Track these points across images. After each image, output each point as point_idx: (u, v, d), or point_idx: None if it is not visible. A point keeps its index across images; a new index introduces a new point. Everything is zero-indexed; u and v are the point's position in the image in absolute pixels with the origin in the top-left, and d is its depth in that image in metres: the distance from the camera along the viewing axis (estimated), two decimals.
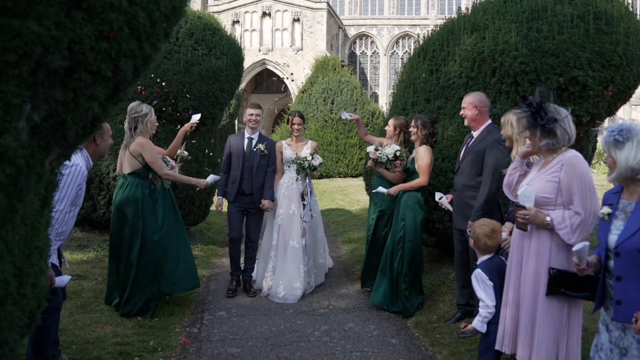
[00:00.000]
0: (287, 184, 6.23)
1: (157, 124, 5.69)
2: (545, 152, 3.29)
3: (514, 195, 3.55)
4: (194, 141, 7.90)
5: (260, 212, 6.21)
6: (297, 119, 6.35)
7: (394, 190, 5.64)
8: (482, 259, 3.75)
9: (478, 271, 3.65)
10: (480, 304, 3.64)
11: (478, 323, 3.61)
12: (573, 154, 3.22)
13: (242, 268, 6.24)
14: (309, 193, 6.13)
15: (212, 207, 8.75)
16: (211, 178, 5.63)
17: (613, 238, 2.71)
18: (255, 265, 6.40)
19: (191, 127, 5.66)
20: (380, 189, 5.74)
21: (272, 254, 6.14)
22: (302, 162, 6.01)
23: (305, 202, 6.10)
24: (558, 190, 3.15)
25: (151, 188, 5.21)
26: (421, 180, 5.48)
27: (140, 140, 5.00)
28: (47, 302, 1.91)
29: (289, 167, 6.29)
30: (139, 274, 4.99)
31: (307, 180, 6.15)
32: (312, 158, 6.03)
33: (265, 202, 6.07)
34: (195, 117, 5.69)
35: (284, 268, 5.97)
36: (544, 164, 3.30)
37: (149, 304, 5.06)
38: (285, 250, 6.04)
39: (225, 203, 6.34)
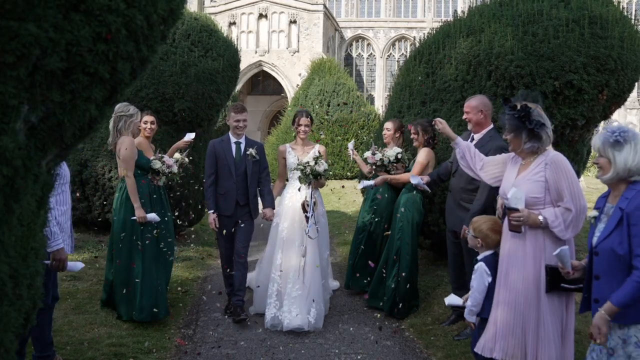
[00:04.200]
0: (291, 194, 5.52)
1: (145, 126, 5.64)
2: (526, 154, 3.36)
3: (478, 168, 3.77)
4: (201, 143, 7.92)
5: (252, 221, 5.44)
6: (304, 120, 5.60)
7: (379, 180, 5.65)
8: (485, 254, 3.76)
9: (481, 264, 3.67)
10: (470, 294, 3.68)
11: (467, 315, 3.68)
12: (555, 153, 3.33)
13: (232, 289, 5.41)
14: (311, 204, 5.28)
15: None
16: (151, 216, 4.97)
17: (595, 239, 2.80)
18: (253, 271, 5.96)
19: (185, 144, 5.68)
20: (365, 182, 5.75)
21: (275, 275, 5.28)
22: (303, 167, 5.28)
23: (307, 215, 5.26)
24: (545, 190, 3.24)
25: (151, 188, 5.20)
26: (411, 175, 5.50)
27: (121, 140, 4.98)
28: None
29: (292, 174, 5.61)
30: (143, 276, 4.92)
31: (310, 190, 5.34)
32: (316, 163, 5.27)
33: (267, 211, 5.37)
34: (190, 136, 5.68)
35: (291, 291, 5.14)
36: (524, 165, 3.38)
37: (157, 305, 4.98)
38: (292, 269, 5.23)
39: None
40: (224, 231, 5.32)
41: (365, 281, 5.91)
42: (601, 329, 2.64)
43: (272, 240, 5.55)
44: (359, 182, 6.04)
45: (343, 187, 13.93)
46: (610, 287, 2.66)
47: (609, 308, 2.62)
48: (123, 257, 4.96)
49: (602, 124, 6.21)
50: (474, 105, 4.68)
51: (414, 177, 5.10)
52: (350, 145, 6.19)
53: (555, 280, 3.14)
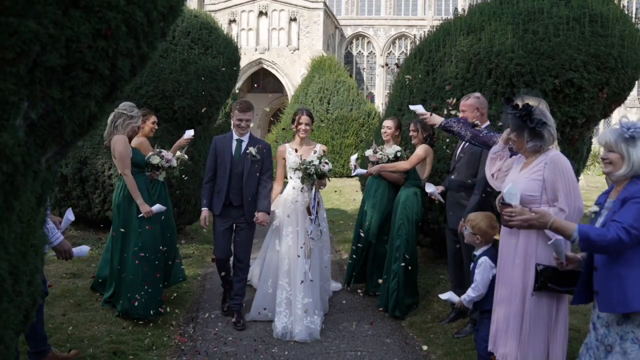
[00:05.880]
0: (293, 196, 5.29)
1: (152, 126, 5.67)
2: (529, 153, 3.37)
3: (494, 177, 3.71)
4: (200, 141, 7.94)
5: (251, 227, 5.21)
6: (305, 118, 5.42)
7: (374, 169, 5.67)
8: (483, 248, 3.79)
9: (485, 258, 3.70)
10: (473, 285, 3.70)
11: (466, 300, 3.74)
12: (555, 152, 3.33)
13: (231, 293, 5.26)
14: (315, 205, 5.11)
15: None
16: (156, 208, 5.00)
17: None
18: (251, 269, 5.82)
19: (186, 141, 5.68)
20: (360, 170, 5.76)
21: (282, 282, 5.08)
22: (307, 167, 5.05)
23: (311, 217, 5.08)
24: (542, 189, 3.25)
25: (149, 184, 5.20)
26: (406, 164, 5.51)
27: (114, 139, 4.96)
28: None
29: (293, 175, 5.41)
30: (142, 273, 4.90)
31: (314, 190, 5.13)
32: (320, 163, 5.08)
33: (260, 215, 5.05)
34: (189, 133, 5.67)
35: (303, 299, 4.95)
36: (526, 163, 3.40)
37: (155, 302, 4.98)
38: (299, 276, 5.02)
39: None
40: (222, 226, 5.17)
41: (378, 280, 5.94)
42: (524, 215, 2.84)
43: (272, 242, 5.38)
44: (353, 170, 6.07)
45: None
46: (606, 277, 2.67)
47: (568, 225, 2.70)
48: (122, 254, 4.96)
49: (602, 122, 6.22)
50: (470, 103, 4.70)
51: (429, 186, 5.05)
52: (353, 158, 6.16)
53: (544, 279, 3.14)
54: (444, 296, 3.98)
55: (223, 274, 5.30)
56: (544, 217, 2.78)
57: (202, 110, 7.55)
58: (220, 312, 5.45)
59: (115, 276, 5.02)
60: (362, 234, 5.92)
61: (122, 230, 4.96)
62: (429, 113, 4.73)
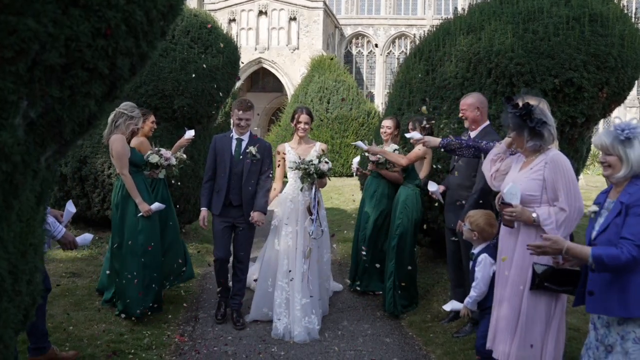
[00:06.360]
0: (293, 195, 5.22)
1: (152, 125, 5.69)
2: (529, 152, 3.37)
3: (492, 177, 3.68)
4: (200, 140, 7.93)
5: (251, 227, 5.16)
6: (304, 117, 5.35)
7: (375, 150, 5.68)
8: (481, 246, 3.80)
9: (485, 255, 3.70)
10: (474, 284, 3.71)
11: (470, 302, 3.75)
12: (555, 152, 3.32)
13: (230, 293, 5.30)
14: (316, 205, 5.08)
15: None
16: (156, 206, 5.00)
17: (594, 234, 2.81)
18: (251, 267, 5.87)
19: (187, 142, 5.68)
20: (359, 143, 5.77)
21: (282, 283, 5.05)
22: (307, 167, 5.00)
23: (312, 217, 5.05)
24: (543, 188, 3.24)
25: (147, 183, 5.19)
26: (404, 159, 5.50)
27: (112, 138, 4.95)
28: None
29: (293, 174, 5.32)
30: (141, 272, 4.88)
31: (314, 190, 5.10)
32: (320, 162, 5.04)
33: (255, 215, 4.99)
34: (190, 133, 5.66)
35: (302, 299, 4.94)
36: (526, 162, 3.39)
37: (154, 301, 4.98)
38: (298, 277, 5.00)
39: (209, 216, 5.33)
40: (221, 225, 5.14)
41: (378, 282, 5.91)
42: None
43: (271, 243, 5.32)
44: (355, 169, 6.12)
45: None
46: (603, 278, 2.67)
47: (582, 249, 2.69)
48: (121, 254, 4.95)
49: (601, 122, 6.21)
50: (470, 102, 4.69)
51: (432, 184, 5.01)
52: (355, 161, 6.12)
53: (541, 278, 3.14)
54: (447, 307, 3.97)
55: (219, 289, 5.32)
56: (557, 243, 2.78)
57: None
58: (215, 319, 5.25)
59: (114, 277, 5.02)
60: (364, 249, 5.90)
61: (118, 242, 4.95)
62: (424, 138, 4.68)
